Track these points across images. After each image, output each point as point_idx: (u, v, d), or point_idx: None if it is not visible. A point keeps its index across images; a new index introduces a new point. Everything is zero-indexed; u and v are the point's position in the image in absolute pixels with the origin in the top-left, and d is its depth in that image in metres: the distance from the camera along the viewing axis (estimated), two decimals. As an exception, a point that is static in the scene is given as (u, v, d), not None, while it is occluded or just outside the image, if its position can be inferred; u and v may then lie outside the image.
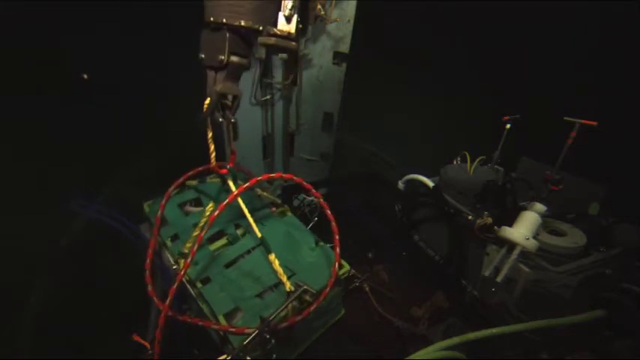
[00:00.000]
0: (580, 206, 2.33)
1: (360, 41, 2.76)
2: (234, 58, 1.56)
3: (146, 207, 2.19)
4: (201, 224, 1.86)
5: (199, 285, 1.71)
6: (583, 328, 1.72)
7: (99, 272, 2.52)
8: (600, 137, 2.18)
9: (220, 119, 1.70)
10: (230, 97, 1.68)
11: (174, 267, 1.84)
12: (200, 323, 1.54)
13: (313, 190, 1.98)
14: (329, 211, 1.92)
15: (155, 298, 1.64)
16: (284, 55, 2.67)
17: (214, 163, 1.88)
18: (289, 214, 2.24)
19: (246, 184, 1.80)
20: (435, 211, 2.49)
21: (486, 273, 1.98)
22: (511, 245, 1.90)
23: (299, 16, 2.40)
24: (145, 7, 3.25)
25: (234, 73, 1.62)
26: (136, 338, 1.56)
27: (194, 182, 2.29)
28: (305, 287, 1.64)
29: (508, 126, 2.50)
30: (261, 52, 2.62)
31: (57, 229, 2.77)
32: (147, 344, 1.51)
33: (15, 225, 2.58)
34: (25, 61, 3.04)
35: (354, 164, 4.29)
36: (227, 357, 1.40)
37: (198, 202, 2.23)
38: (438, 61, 3.99)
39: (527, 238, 1.84)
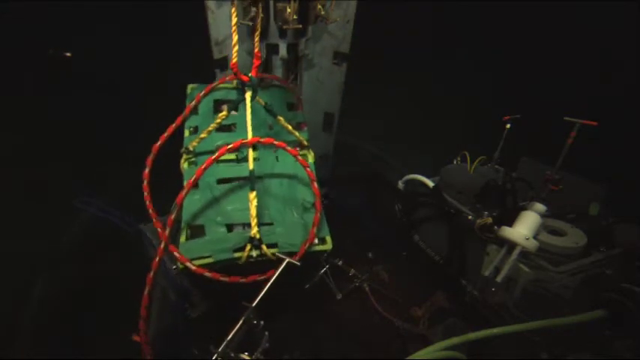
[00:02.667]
0: (580, 206, 2.33)
1: (361, 41, 2.76)
2: None
3: (189, 88, 2.11)
4: (210, 128, 1.80)
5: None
6: (583, 328, 1.72)
7: (99, 272, 2.52)
8: (600, 137, 2.18)
9: None
10: None
11: (175, 267, 1.84)
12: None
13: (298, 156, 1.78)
14: (309, 169, 1.78)
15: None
16: (284, 55, 2.67)
17: (235, 62, 1.68)
18: (310, 161, 2.05)
19: (220, 153, 1.62)
20: (435, 211, 2.49)
21: (486, 273, 1.98)
22: (511, 245, 1.89)
23: (299, 16, 2.41)
24: (144, 7, 3.26)
25: None
26: (136, 338, 1.55)
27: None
28: (288, 260, 1.53)
29: (508, 126, 2.50)
30: (262, 53, 2.62)
31: (58, 228, 2.78)
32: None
33: (16, 224, 2.58)
34: (26, 61, 3.04)
35: (354, 164, 4.29)
36: (216, 356, 1.38)
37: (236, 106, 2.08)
38: (438, 61, 4.00)
39: (527, 238, 1.83)
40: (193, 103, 1.91)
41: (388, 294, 2.41)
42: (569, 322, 1.69)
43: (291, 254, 1.60)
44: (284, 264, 1.51)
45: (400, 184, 2.80)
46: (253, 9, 1.96)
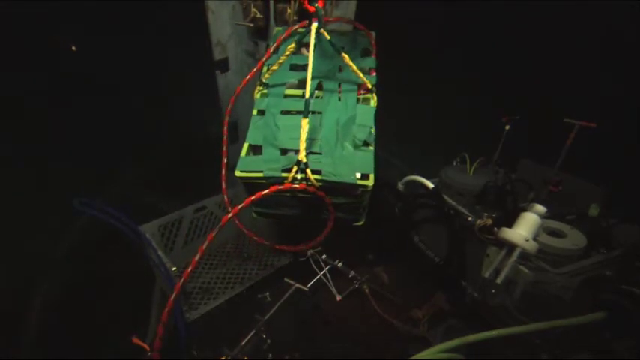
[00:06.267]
0: (580, 207, 2.33)
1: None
2: None
3: (275, 31, 2.24)
4: (280, 60, 1.92)
5: (254, 112, 1.86)
6: (583, 329, 1.72)
7: (99, 272, 2.52)
8: (600, 138, 2.18)
9: None
10: None
11: (174, 268, 1.84)
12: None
13: None
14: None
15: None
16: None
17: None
18: (373, 104, 2.00)
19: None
20: (434, 213, 2.49)
21: (486, 274, 1.98)
22: (511, 246, 1.89)
23: (299, 17, 2.41)
24: (144, 7, 3.25)
25: None
26: (136, 341, 1.55)
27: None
28: (297, 285, 1.59)
29: (507, 127, 2.50)
30: (263, 52, 2.62)
31: (58, 228, 2.78)
32: (146, 346, 1.50)
33: (16, 225, 2.59)
34: (26, 61, 3.04)
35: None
36: (226, 357, 1.39)
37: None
38: (438, 61, 3.99)
39: (527, 240, 1.83)
40: (273, 46, 2.02)
41: (388, 295, 2.41)
42: (569, 323, 1.69)
43: (331, 184, 1.64)
44: (292, 288, 1.59)
45: (400, 186, 2.80)
46: (253, 9, 1.97)
